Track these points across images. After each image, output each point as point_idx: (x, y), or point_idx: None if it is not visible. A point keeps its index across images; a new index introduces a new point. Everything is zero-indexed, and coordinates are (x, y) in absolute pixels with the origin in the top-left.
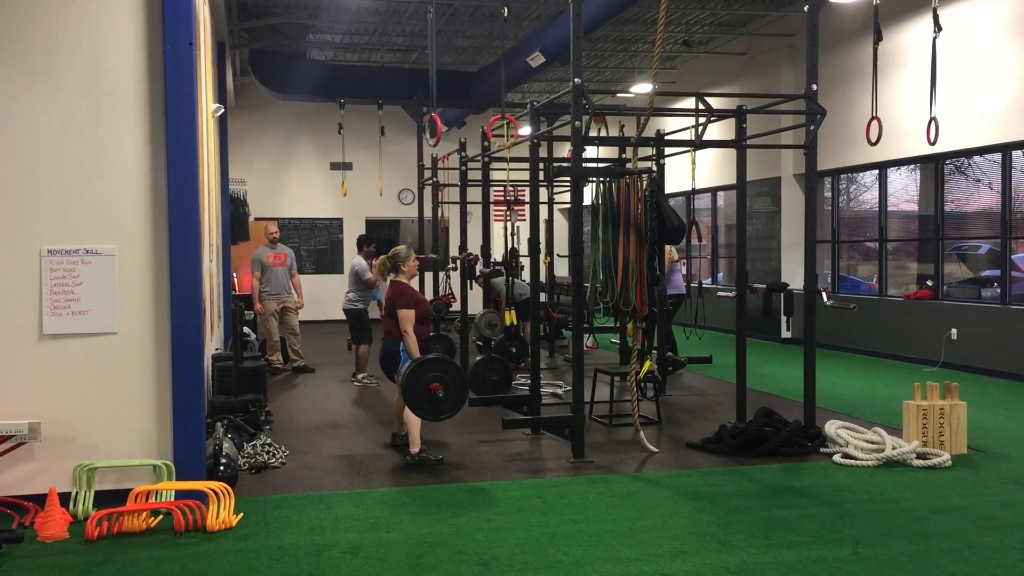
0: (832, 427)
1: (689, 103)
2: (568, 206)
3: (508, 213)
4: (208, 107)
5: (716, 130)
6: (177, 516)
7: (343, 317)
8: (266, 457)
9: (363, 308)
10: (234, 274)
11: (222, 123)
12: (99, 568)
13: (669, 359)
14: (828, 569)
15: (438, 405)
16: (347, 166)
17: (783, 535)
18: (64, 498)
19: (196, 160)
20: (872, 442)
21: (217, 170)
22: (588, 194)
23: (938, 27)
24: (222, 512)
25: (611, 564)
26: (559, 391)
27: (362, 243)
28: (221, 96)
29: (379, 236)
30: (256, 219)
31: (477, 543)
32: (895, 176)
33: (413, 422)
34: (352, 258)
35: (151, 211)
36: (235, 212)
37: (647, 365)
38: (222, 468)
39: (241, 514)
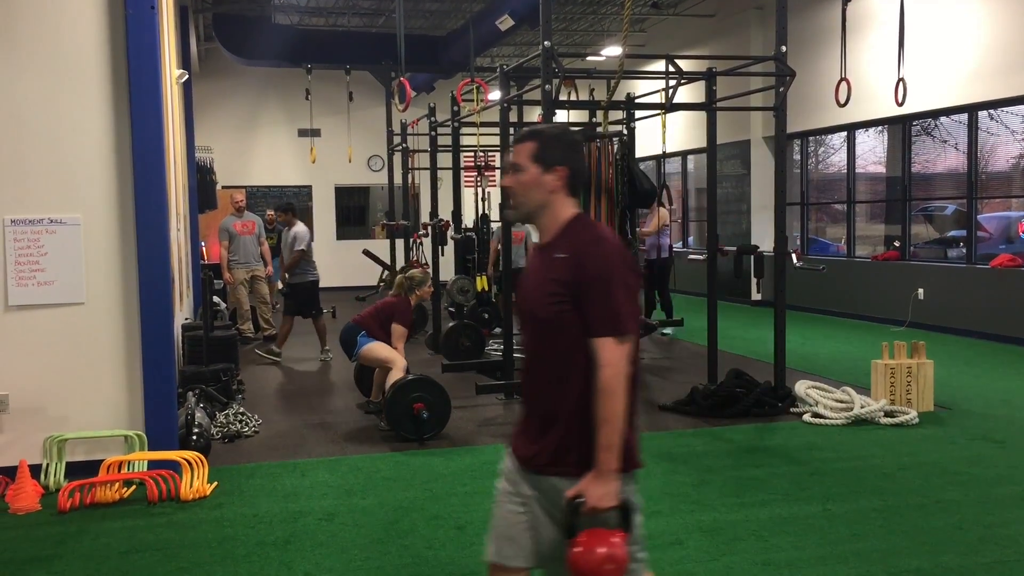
0: (802, 387)
1: (659, 66)
2: None
3: (479, 178)
4: (172, 73)
5: (686, 93)
6: (150, 486)
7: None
8: (239, 426)
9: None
10: (202, 243)
11: (187, 90)
12: (72, 539)
13: (641, 323)
14: (799, 526)
15: (421, 424)
16: (315, 133)
17: (755, 494)
18: (35, 470)
19: (161, 126)
20: (841, 401)
21: (183, 137)
22: None
23: None
24: (196, 481)
25: None
26: None
27: (285, 210)
28: (185, 62)
29: (349, 203)
30: (223, 187)
31: (452, 507)
32: (863, 138)
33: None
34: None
35: (116, 179)
36: (202, 180)
37: None
38: (195, 437)
39: (215, 483)
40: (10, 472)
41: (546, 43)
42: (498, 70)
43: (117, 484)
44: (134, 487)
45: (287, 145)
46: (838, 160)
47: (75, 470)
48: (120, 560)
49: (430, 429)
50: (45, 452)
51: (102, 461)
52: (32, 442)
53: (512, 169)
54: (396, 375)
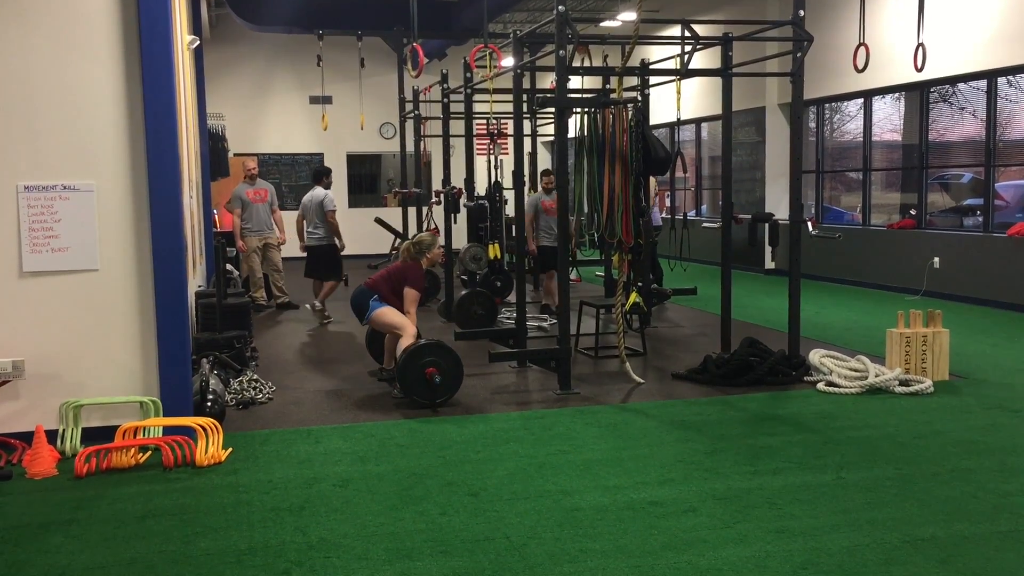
0: (816, 356)
1: (674, 31)
2: (552, 138)
3: (491, 146)
4: (183, 39)
5: (701, 59)
6: (166, 452)
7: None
8: (253, 393)
9: (333, 243)
10: (215, 211)
11: (198, 56)
12: (89, 503)
13: (655, 291)
14: (812, 494)
15: (434, 389)
16: (327, 100)
17: (768, 462)
18: (51, 435)
19: (173, 92)
20: (855, 370)
21: (194, 105)
22: (572, 125)
23: None
24: (211, 447)
25: (599, 492)
26: (545, 324)
27: (322, 175)
28: (196, 28)
29: (361, 171)
30: (235, 155)
31: (466, 474)
32: (879, 105)
33: None
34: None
35: (129, 145)
36: (214, 148)
37: (632, 297)
38: (209, 404)
39: (230, 449)
40: (27, 437)
41: (560, 8)
42: (511, 36)
43: (133, 450)
44: (149, 453)
45: (299, 112)
46: (854, 127)
47: (91, 436)
48: (136, 524)
49: (443, 394)
50: (61, 418)
51: (118, 427)
52: (48, 408)
53: None
54: (406, 342)
